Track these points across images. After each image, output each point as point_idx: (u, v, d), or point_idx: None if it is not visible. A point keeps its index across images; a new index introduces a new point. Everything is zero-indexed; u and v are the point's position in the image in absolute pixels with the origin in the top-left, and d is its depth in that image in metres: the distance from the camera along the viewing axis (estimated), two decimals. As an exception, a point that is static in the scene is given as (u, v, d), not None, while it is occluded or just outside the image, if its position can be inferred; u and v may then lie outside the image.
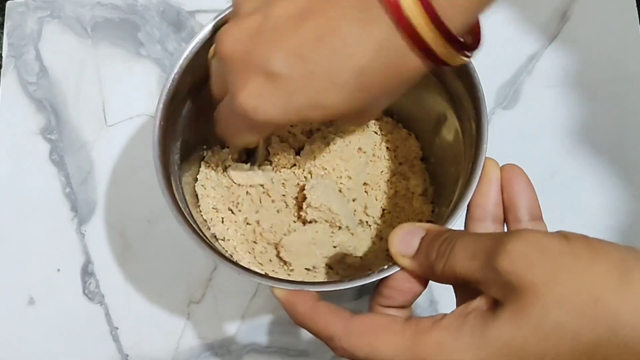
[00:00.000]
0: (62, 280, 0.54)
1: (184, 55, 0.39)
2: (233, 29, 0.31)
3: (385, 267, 0.33)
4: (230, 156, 0.47)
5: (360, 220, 0.46)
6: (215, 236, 0.46)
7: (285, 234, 0.44)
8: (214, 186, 0.47)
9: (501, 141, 0.49)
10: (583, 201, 0.53)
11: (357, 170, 0.46)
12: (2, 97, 0.58)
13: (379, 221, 0.46)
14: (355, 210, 0.46)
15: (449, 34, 0.27)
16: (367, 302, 0.51)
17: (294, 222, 0.45)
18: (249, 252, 0.47)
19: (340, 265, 0.45)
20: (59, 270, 0.54)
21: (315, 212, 0.43)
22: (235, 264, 0.36)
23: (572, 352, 0.25)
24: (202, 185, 0.47)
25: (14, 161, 0.57)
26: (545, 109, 0.56)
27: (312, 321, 0.32)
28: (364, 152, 0.47)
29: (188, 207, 0.41)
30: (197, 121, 0.45)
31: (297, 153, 0.47)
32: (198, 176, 0.47)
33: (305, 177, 0.46)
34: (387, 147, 0.48)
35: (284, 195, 0.46)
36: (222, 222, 0.47)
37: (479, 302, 0.28)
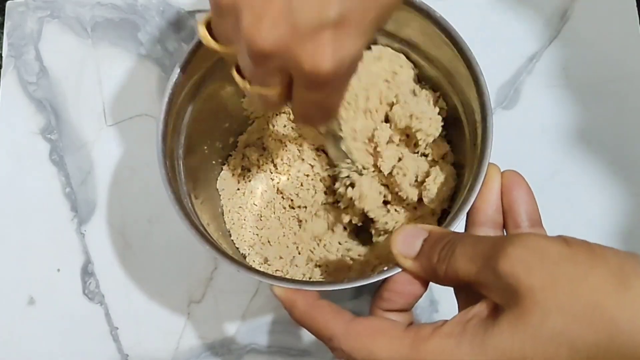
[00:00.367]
0: (62, 280, 0.54)
1: (190, 50, 0.40)
2: (260, 25, 0.29)
3: (386, 268, 0.33)
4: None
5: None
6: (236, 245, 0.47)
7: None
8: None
9: (501, 141, 0.49)
10: (583, 201, 0.53)
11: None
12: (2, 97, 0.58)
13: None
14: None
15: None
16: (367, 300, 0.51)
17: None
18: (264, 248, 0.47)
19: None
20: (59, 270, 0.54)
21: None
22: (235, 261, 0.36)
23: (570, 359, 0.25)
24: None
25: (14, 161, 0.57)
26: (545, 109, 0.56)
27: (312, 320, 0.32)
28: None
29: (190, 202, 0.41)
30: (201, 116, 0.45)
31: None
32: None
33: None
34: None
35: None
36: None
37: (480, 308, 0.28)
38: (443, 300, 0.51)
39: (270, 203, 0.50)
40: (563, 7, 0.58)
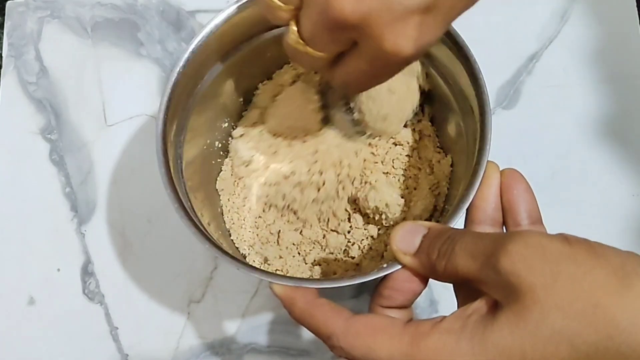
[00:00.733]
0: (62, 280, 0.54)
1: (190, 50, 0.40)
2: None
3: (385, 265, 0.33)
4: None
5: None
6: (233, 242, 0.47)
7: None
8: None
9: (501, 141, 0.49)
10: (583, 201, 0.53)
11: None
12: (2, 97, 0.58)
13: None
14: None
15: None
16: (366, 299, 0.51)
17: None
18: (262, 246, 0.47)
19: None
20: (59, 270, 0.54)
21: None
22: (235, 259, 0.36)
23: (569, 358, 0.25)
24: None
25: (14, 161, 0.57)
26: (545, 109, 0.56)
27: (311, 318, 0.32)
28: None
29: (190, 201, 0.41)
30: (201, 116, 0.45)
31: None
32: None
33: None
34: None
35: None
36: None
37: (479, 304, 0.28)
38: (443, 300, 0.51)
39: (269, 202, 0.50)
40: (563, 7, 0.58)
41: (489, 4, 0.58)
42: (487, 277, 0.28)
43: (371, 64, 0.31)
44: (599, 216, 0.53)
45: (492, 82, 0.56)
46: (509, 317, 0.26)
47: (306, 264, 0.47)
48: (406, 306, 0.33)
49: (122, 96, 0.58)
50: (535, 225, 0.33)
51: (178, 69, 0.40)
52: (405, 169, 0.48)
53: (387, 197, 0.45)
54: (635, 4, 0.58)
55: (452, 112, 0.44)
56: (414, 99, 0.46)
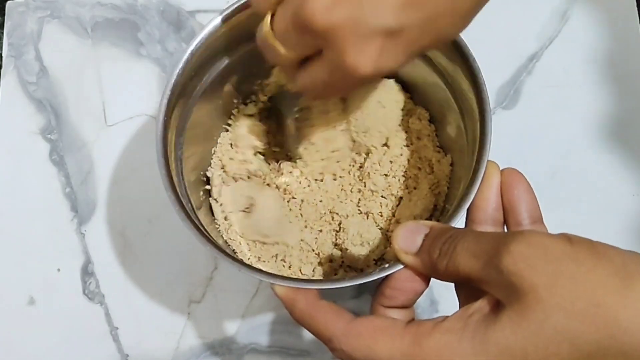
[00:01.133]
0: (62, 280, 0.53)
1: (189, 51, 0.40)
2: (324, 1, 0.29)
3: (387, 265, 0.33)
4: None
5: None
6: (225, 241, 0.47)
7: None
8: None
9: (501, 141, 0.49)
10: (583, 201, 0.53)
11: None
12: (2, 97, 0.58)
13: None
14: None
15: None
16: (367, 300, 0.51)
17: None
18: (254, 248, 0.47)
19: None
20: (59, 270, 0.54)
21: None
22: (236, 260, 0.36)
23: (571, 357, 0.25)
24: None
25: (14, 161, 0.57)
26: (545, 109, 0.56)
27: (312, 319, 0.32)
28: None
29: (190, 203, 0.41)
30: (200, 117, 0.45)
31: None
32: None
33: None
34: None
35: None
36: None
37: (481, 304, 0.28)
38: (443, 300, 0.51)
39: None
40: (563, 7, 0.58)
41: (489, 4, 0.58)
42: (489, 276, 0.28)
43: (331, 74, 0.32)
44: (599, 216, 0.53)
45: (492, 82, 0.56)
46: (511, 317, 0.26)
47: (305, 265, 0.47)
48: (408, 306, 0.33)
49: (122, 96, 0.58)
50: (536, 225, 0.33)
51: (177, 71, 0.40)
52: (405, 169, 0.48)
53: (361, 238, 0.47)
54: (635, 4, 0.58)
55: (452, 111, 0.44)
56: (399, 115, 0.47)
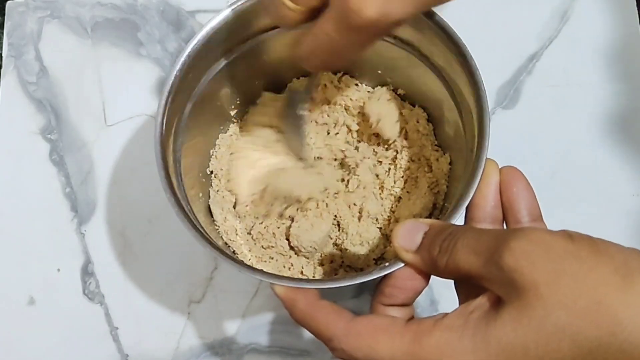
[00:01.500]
0: (62, 280, 0.53)
1: (187, 52, 0.40)
2: None
3: (387, 264, 0.33)
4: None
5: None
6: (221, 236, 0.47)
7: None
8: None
9: (501, 141, 0.49)
10: (583, 201, 0.53)
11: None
12: (2, 97, 0.58)
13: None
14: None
15: None
16: (367, 299, 0.51)
17: None
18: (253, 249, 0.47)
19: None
20: (59, 270, 0.54)
21: None
22: (237, 260, 0.36)
23: (572, 354, 0.25)
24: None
25: (14, 161, 0.57)
26: (545, 109, 0.56)
27: (313, 319, 0.32)
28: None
29: (189, 204, 0.41)
30: (200, 117, 0.45)
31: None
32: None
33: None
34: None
35: None
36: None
37: (481, 301, 0.28)
38: (443, 300, 0.51)
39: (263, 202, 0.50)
40: (563, 7, 0.58)
41: (489, 4, 0.58)
42: (489, 273, 0.28)
43: (335, 25, 0.31)
44: (598, 216, 0.53)
45: (492, 82, 0.56)
46: (511, 314, 0.26)
47: (303, 265, 0.47)
48: (408, 304, 0.33)
49: (122, 96, 0.58)
50: (536, 223, 0.33)
51: (175, 72, 0.39)
52: (404, 168, 0.48)
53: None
54: (635, 4, 0.58)
55: (450, 110, 0.44)
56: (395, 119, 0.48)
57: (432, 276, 0.33)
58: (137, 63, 0.59)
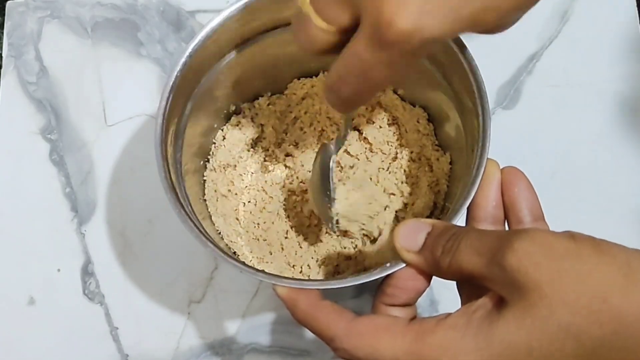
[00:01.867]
0: (62, 280, 0.53)
1: (187, 52, 0.40)
2: None
3: (388, 264, 0.33)
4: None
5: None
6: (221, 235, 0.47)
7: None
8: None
9: (501, 141, 0.49)
10: (583, 201, 0.53)
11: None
12: (2, 97, 0.58)
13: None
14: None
15: None
16: (368, 300, 0.51)
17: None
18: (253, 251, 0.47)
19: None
20: (59, 270, 0.54)
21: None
22: (238, 260, 0.36)
23: (575, 353, 0.25)
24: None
25: (14, 161, 0.57)
26: (545, 109, 0.56)
27: (314, 320, 0.32)
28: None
29: (190, 205, 0.41)
30: (200, 118, 0.45)
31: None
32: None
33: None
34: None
35: None
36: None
37: (484, 301, 0.28)
38: (444, 300, 0.51)
39: (261, 203, 0.50)
40: (563, 7, 0.58)
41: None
42: (492, 273, 0.28)
43: (367, 42, 0.28)
44: (599, 216, 0.53)
45: (492, 82, 0.56)
46: (515, 314, 0.26)
47: (303, 266, 0.47)
48: (410, 304, 0.33)
49: (122, 96, 0.58)
50: (537, 223, 0.33)
51: (175, 72, 0.39)
52: (404, 168, 0.48)
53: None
54: (635, 4, 0.58)
55: (451, 110, 0.44)
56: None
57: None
58: (137, 63, 0.59)
